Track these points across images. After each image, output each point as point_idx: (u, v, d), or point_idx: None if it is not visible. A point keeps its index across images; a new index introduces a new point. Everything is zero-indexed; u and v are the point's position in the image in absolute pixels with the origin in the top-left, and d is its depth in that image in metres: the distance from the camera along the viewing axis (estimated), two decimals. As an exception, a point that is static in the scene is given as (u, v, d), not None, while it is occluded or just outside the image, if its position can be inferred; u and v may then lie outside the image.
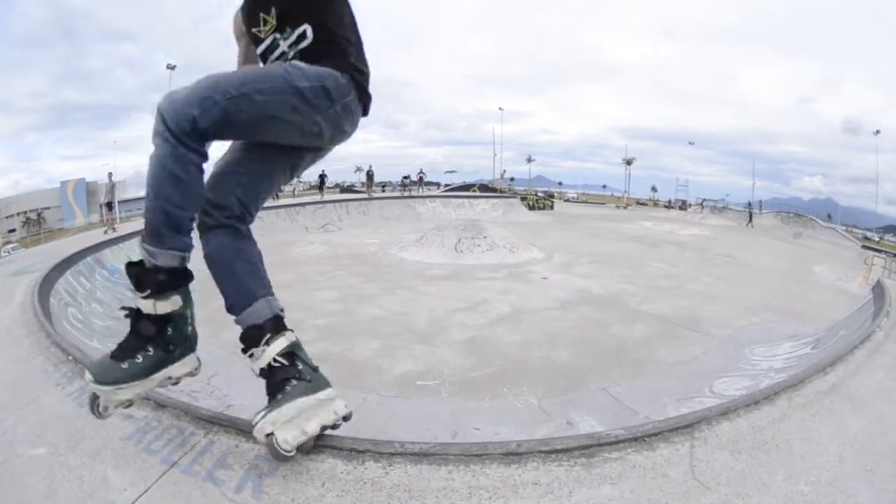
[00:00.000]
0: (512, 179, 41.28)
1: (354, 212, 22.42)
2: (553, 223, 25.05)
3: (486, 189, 34.58)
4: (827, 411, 1.77)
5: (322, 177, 28.20)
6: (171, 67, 26.89)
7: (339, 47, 1.72)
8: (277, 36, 1.72)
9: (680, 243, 18.59)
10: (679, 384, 5.46)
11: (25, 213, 17.76)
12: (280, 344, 1.65)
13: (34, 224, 18.49)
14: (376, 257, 13.93)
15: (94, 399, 1.52)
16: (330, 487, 1.51)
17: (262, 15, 1.73)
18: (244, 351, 1.64)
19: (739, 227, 28.49)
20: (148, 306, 1.46)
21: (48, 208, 20.04)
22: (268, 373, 1.61)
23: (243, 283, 1.69)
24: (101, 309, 7.47)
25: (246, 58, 1.93)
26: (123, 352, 1.49)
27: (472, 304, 9.09)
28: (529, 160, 61.64)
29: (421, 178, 33.92)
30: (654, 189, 56.88)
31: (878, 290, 4.07)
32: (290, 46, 1.72)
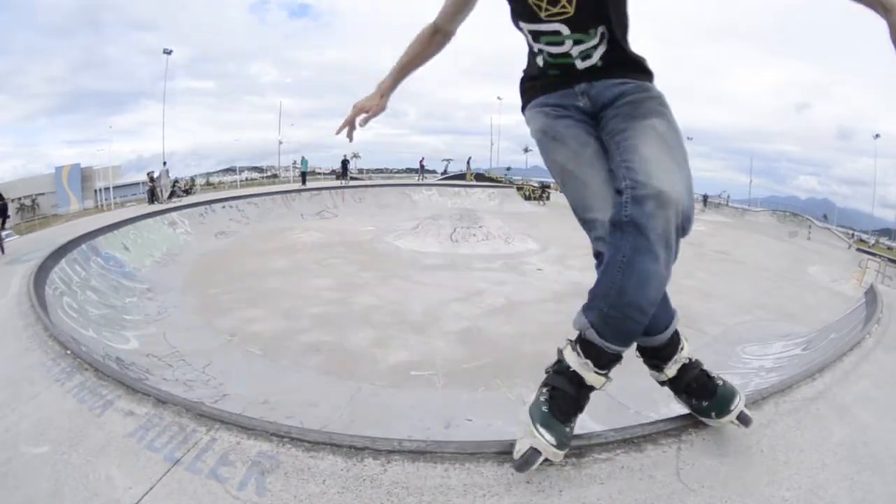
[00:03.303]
0: (508, 169, 41.03)
1: (350, 199, 22.33)
2: (549, 214, 25.06)
3: (483, 178, 34.49)
4: (812, 418, 1.82)
5: (344, 163, 28.24)
6: (167, 52, 26.64)
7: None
8: (564, 30, 1.42)
9: (674, 237, 18.63)
10: (669, 379, 5.54)
11: (20, 199, 17.55)
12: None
13: (28, 210, 18.26)
14: (372, 245, 13.93)
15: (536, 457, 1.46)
16: (331, 484, 1.55)
17: None
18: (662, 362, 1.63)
19: (733, 223, 28.65)
20: (597, 381, 1.48)
21: (42, 194, 19.80)
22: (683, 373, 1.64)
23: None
24: (96, 297, 7.46)
25: (457, 4, 1.63)
26: (566, 415, 1.49)
27: (466, 294, 9.14)
28: (526, 150, 61.24)
29: (422, 166, 33.98)
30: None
31: (871, 296, 4.11)
32: (583, 53, 1.47)
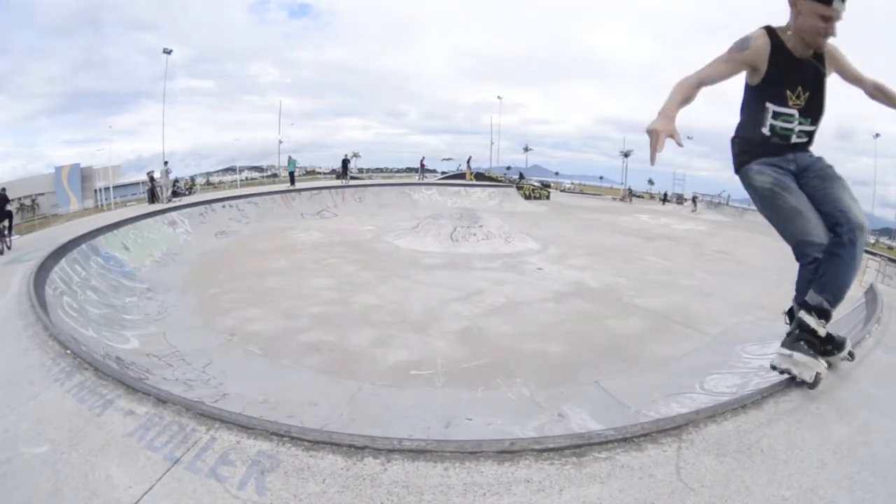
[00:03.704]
0: (508, 168, 41.19)
1: (350, 198, 22.29)
2: (549, 213, 25.03)
3: (483, 178, 34.50)
4: (812, 417, 1.82)
5: (345, 162, 28.09)
6: (167, 52, 26.75)
7: None
8: (796, 114, 2.35)
9: (675, 238, 18.65)
10: (670, 380, 5.53)
11: (20, 199, 17.58)
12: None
13: (28, 210, 18.32)
14: (372, 245, 13.91)
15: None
16: (331, 483, 1.54)
17: (800, 88, 2.32)
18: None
19: (733, 222, 28.62)
20: (822, 332, 2.31)
21: (42, 194, 19.86)
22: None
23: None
24: (96, 297, 7.45)
25: (724, 74, 2.35)
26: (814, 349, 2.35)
27: (466, 293, 9.13)
28: (526, 150, 61.48)
29: (423, 166, 34.03)
30: (650, 182, 56.98)
31: (871, 295, 4.10)
32: (800, 132, 2.39)
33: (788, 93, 2.31)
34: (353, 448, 1.68)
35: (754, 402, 1.89)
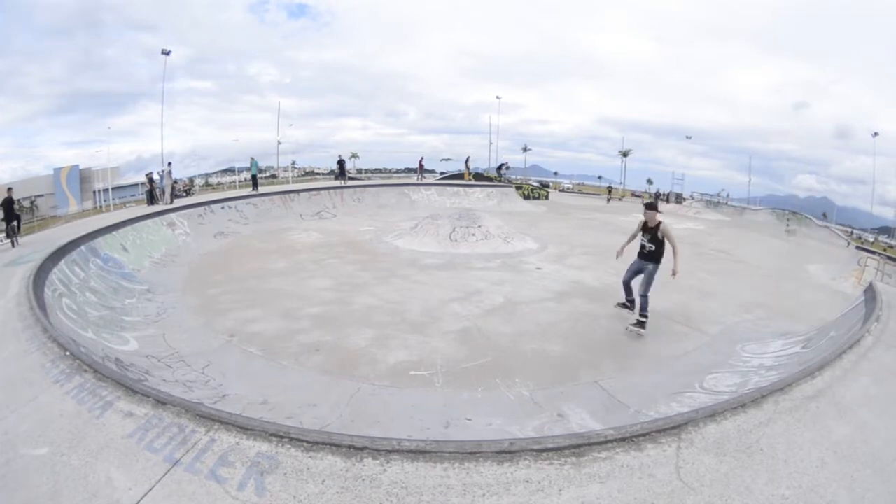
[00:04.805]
0: (508, 168, 41.03)
1: (349, 199, 22.31)
2: (548, 213, 25.04)
3: (482, 178, 34.48)
4: (812, 416, 1.81)
5: (341, 163, 27.56)
6: (165, 53, 26.77)
7: None
8: (647, 241, 7.00)
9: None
10: (670, 379, 5.54)
11: (19, 200, 17.58)
12: None
13: (27, 212, 18.33)
14: (371, 245, 13.92)
15: None
16: (330, 484, 1.54)
17: (649, 234, 6.95)
18: None
19: (732, 221, 28.62)
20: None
21: (42, 195, 19.88)
22: None
23: None
24: (96, 298, 7.45)
25: (637, 233, 7.20)
26: None
27: (465, 294, 9.13)
28: (525, 150, 61.55)
29: (421, 166, 33.99)
30: (649, 181, 57.13)
31: (870, 294, 4.11)
32: (648, 246, 7.02)
33: (647, 235, 6.64)
34: (353, 449, 1.67)
35: (754, 401, 1.89)
